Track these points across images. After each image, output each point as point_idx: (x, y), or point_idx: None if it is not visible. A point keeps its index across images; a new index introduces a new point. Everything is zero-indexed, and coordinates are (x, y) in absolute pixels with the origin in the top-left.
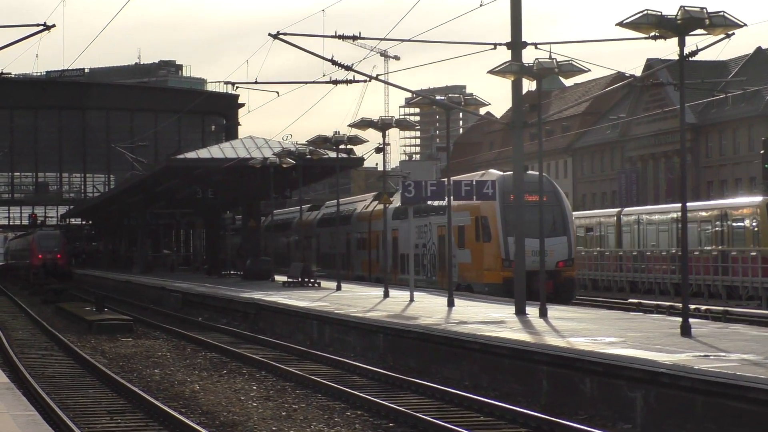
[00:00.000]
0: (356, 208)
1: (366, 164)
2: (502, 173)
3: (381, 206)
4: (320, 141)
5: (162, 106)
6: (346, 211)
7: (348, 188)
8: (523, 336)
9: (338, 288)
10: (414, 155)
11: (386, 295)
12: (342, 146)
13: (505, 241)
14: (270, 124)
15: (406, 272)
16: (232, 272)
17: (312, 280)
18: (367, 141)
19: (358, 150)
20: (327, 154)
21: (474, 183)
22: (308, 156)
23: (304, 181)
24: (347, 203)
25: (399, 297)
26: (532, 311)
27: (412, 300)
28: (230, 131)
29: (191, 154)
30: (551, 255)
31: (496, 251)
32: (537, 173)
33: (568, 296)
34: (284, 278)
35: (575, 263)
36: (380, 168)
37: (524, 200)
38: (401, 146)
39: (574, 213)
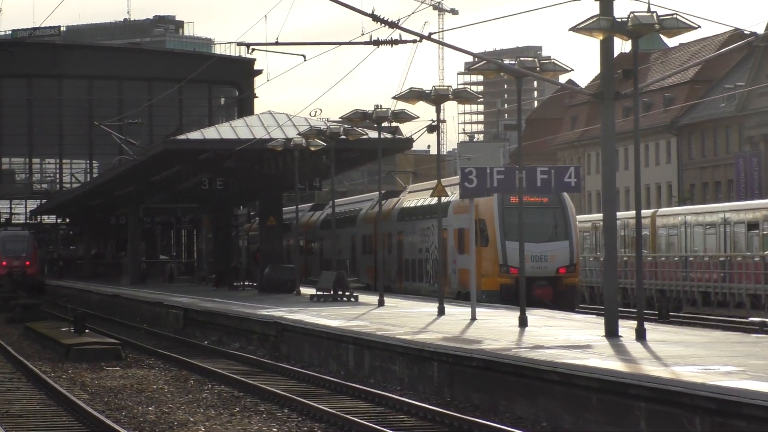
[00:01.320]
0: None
1: (415, 146)
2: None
3: (388, 205)
4: (358, 117)
5: (158, 73)
6: (350, 212)
7: (393, 177)
8: (616, 364)
9: (380, 303)
10: (476, 135)
11: (441, 312)
12: (385, 124)
13: (504, 245)
14: (294, 97)
15: (411, 280)
16: (246, 283)
17: (348, 293)
18: (417, 117)
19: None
20: (366, 134)
21: (552, 171)
22: (342, 136)
23: (338, 168)
24: (353, 202)
25: (458, 314)
26: (626, 333)
27: (473, 318)
28: (244, 105)
29: (195, 134)
30: (552, 260)
31: (494, 256)
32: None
33: (570, 304)
34: (312, 291)
35: (578, 269)
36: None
37: (525, 200)
38: (460, 124)
39: (686, 207)
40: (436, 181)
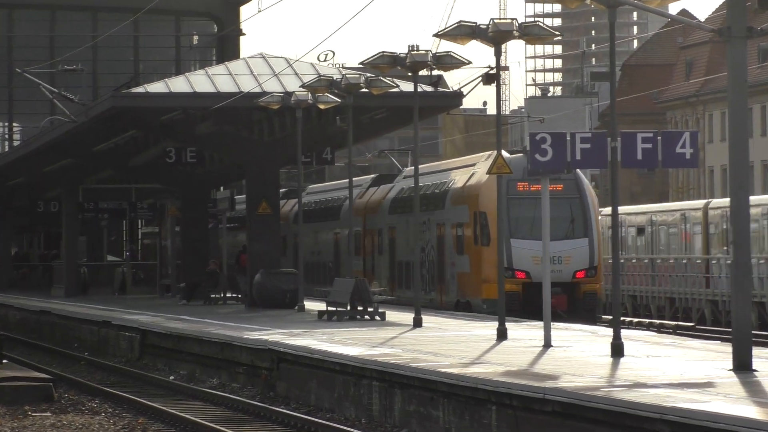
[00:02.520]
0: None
1: (466, 103)
2: (507, 155)
3: (380, 194)
4: (385, 63)
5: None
6: (333, 201)
7: (436, 146)
8: (750, 410)
9: (416, 323)
10: (551, 88)
11: (502, 335)
12: (424, 73)
13: (508, 244)
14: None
15: (405, 287)
16: (229, 295)
17: (371, 309)
18: (468, 63)
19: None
20: (397, 87)
21: (659, 139)
22: (364, 89)
23: (358, 134)
24: (337, 188)
25: (524, 339)
26: (762, 365)
27: (548, 345)
28: (226, 46)
29: (157, 86)
30: (567, 262)
31: (496, 258)
32: None
33: (591, 315)
34: (321, 305)
35: (600, 273)
36: (491, 111)
37: (532, 189)
38: (528, 72)
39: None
40: (437, 160)
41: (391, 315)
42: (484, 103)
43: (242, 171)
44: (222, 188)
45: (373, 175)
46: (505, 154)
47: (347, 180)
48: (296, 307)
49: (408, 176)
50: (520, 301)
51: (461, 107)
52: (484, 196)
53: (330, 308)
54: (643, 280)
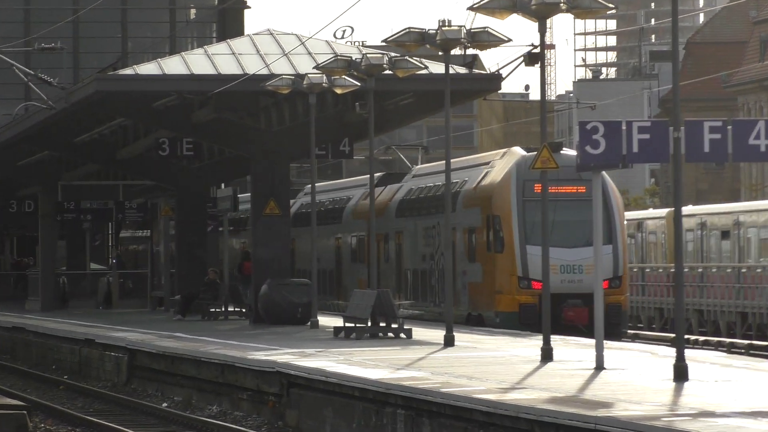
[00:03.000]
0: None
1: (506, 87)
2: (524, 152)
3: (386, 195)
4: (412, 40)
5: None
6: (335, 202)
7: (470, 136)
8: None
9: (448, 342)
10: (604, 70)
11: (547, 356)
12: (457, 51)
13: (523, 251)
14: (310, 8)
15: (413, 297)
16: (231, 309)
17: (395, 325)
18: (508, 41)
19: (490, 59)
20: (425, 68)
21: (729, 128)
22: (387, 71)
23: (380, 123)
24: (341, 188)
25: (572, 361)
26: None
27: (600, 367)
28: (229, 21)
29: (148, 67)
30: (588, 272)
31: (511, 266)
32: (573, 152)
33: (614, 330)
34: (337, 320)
35: (625, 283)
36: (534, 96)
37: (549, 191)
38: (578, 51)
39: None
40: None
41: (419, 332)
42: (527, 87)
43: (247, 165)
44: (223, 185)
45: (378, 174)
46: (520, 151)
47: (351, 179)
48: (309, 324)
49: (418, 175)
50: (538, 314)
51: (500, 92)
52: (498, 198)
53: (348, 324)
54: (720, 292)
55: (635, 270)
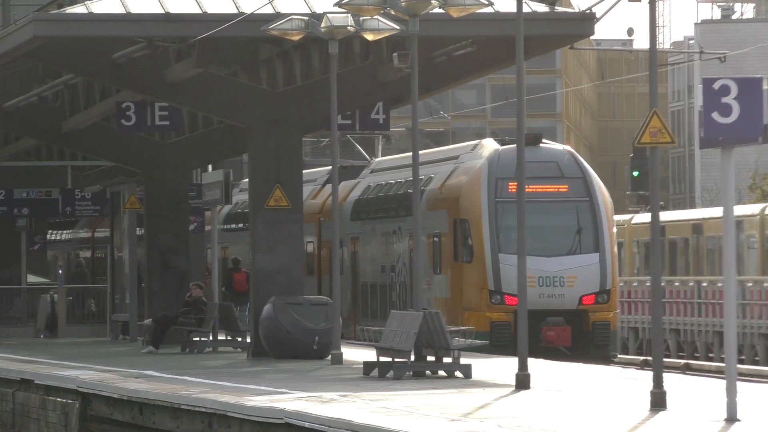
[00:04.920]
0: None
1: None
2: (497, 146)
3: (339, 194)
4: None
5: None
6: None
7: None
8: None
9: (521, 383)
10: (736, 7)
11: (658, 402)
12: None
13: (495, 260)
14: None
15: (372, 316)
16: (224, 338)
17: (448, 361)
18: None
19: None
20: (490, 5)
21: None
22: (437, 9)
23: (427, 81)
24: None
25: (693, 407)
26: None
27: (732, 418)
28: None
29: (106, 4)
30: (571, 284)
31: (481, 278)
32: (554, 145)
33: (600, 353)
34: (369, 353)
35: (614, 298)
36: (640, 44)
37: (526, 192)
38: None
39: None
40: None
41: (480, 368)
42: (630, 32)
43: (243, 140)
44: (211, 168)
45: (329, 168)
46: (493, 144)
47: (313, 168)
48: (330, 357)
49: (377, 169)
50: (512, 334)
51: (593, 38)
52: (467, 200)
53: (383, 359)
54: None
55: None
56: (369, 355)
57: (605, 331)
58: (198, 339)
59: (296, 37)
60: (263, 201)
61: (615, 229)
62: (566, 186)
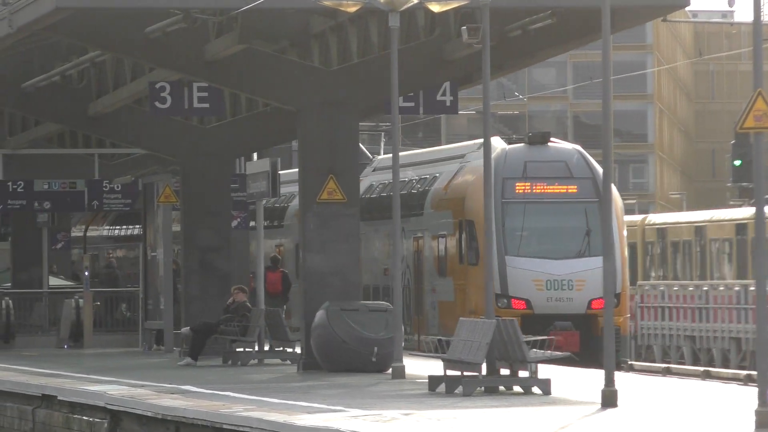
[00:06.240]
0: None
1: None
2: (505, 145)
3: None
4: None
5: None
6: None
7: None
8: None
9: (608, 399)
10: None
11: (764, 423)
12: None
13: (502, 263)
14: None
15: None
16: (271, 349)
17: (524, 375)
18: None
19: None
20: None
21: None
22: None
23: (500, 58)
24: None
25: None
26: None
27: None
28: None
29: None
30: (580, 288)
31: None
32: (563, 144)
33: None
34: (434, 365)
35: (624, 302)
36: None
37: (533, 192)
38: None
39: None
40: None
41: (561, 382)
42: (731, 2)
43: (292, 125)
44: (256, 156)
45: None
46: (500, 143)
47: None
48: (390, 371)
49: (380, 168)
50: None
51: (688, 9)
52: (472, 200)
53: (451, 372)
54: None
55: None
56: (434, 368)
57: (616, 337)
58: (242, 350)
59: (352, 8)
60: (315, 194)
61: (626, 231)
62: (575, 186)
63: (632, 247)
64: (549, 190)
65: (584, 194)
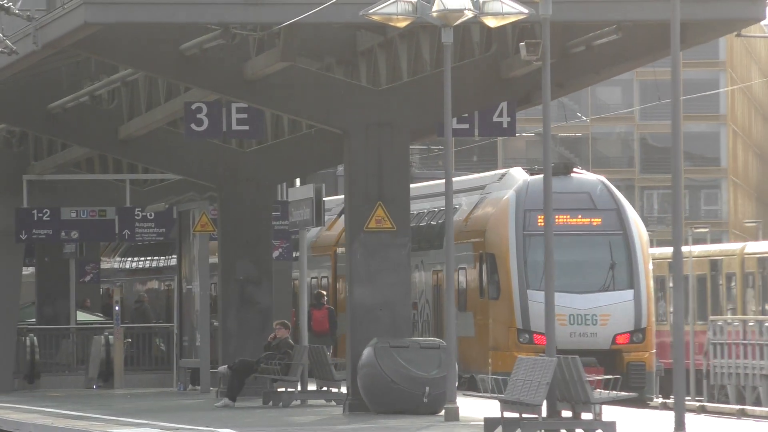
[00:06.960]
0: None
1: None
2: (527, 176)
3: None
4: None
5: None
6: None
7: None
8: None
9: None
10: None
11: None
12: None
13: (524, 297)
14: None
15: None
16: (315, 389)
17: (588, 417)
18: None
19: None
20: None
21: None
22: None
23: (561, 75)
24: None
25: None
26: None
27: None
28: None
29: None
30: (605, 323)
31: (509, 316)
32: (586, 175)
33: (637, 396)
34: (490, 406)
35: (650, 337)
36: None
37: (555, 224)
38: None
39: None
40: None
41: (626, 423)
42: None
43: (338, 147)
44: (299, 182)
45: (341, 197)
46: (521, 174)
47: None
48: (443, 412)
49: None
50: None
51: (765, 22)
52: (493, 233)
53: (508, 414)
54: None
55: None
56: (491, 409)
57: (640, 373)
58: (283, 390)
59: (402, 23)
60: (363, 222)
61: (651, 265)
62: (599, 218)
63: (729, 278)
64: (572, 222)
65: (608, 226)
